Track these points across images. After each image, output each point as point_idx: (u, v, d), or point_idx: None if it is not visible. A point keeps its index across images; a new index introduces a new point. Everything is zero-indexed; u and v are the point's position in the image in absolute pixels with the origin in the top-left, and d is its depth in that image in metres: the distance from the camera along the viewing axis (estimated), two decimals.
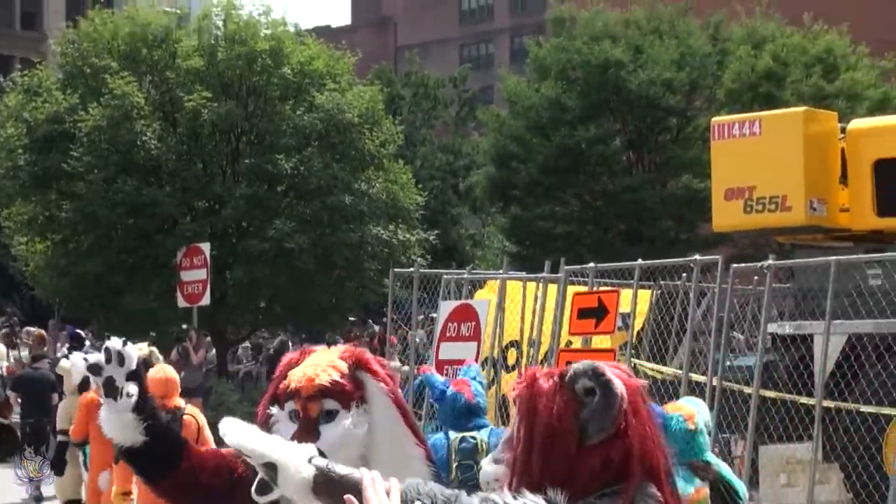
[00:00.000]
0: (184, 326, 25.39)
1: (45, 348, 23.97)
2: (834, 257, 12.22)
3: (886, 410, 12.10)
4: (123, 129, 25.54)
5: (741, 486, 7.22)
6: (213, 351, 27.81)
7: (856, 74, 34.03)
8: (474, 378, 8.95)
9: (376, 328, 31.47)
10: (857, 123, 15.05)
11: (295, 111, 26.83)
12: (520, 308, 15.15)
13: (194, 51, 26.96)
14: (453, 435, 8.52)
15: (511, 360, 15.29)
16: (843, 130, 14.54)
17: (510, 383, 14.92)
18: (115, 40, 27.14)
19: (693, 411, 7.24)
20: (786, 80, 33.43)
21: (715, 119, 16.24)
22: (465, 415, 8.62)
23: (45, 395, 19.53)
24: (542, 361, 14.41)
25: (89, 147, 25.69)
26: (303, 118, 26.62)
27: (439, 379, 9.19)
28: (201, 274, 24.52)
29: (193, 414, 11.25)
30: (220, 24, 27.97)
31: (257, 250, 25.63)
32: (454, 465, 8.35)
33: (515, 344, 15.28)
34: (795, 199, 14.06)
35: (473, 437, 8.48)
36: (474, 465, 8.10)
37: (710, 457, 7.11)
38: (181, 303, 24.89)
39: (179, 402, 11.27)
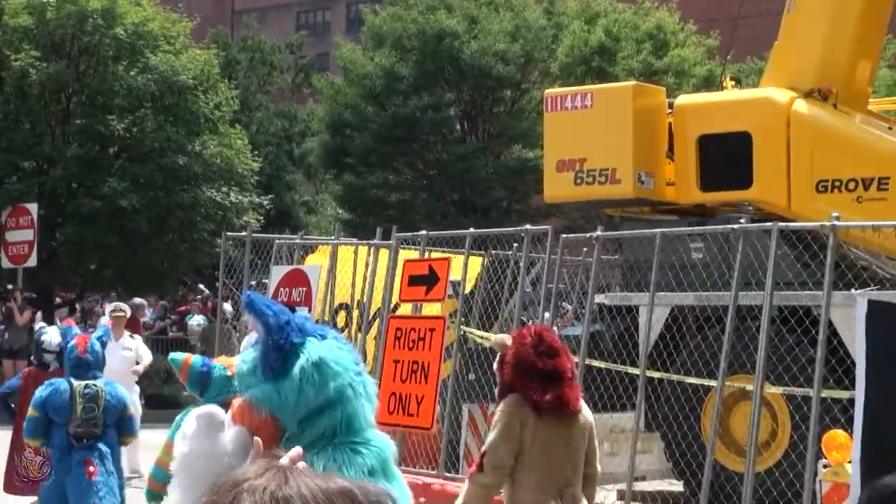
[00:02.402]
0: (8, 287, 24.89)
1: None
2: (659, 230, 12.49)
3: (707, 382, 12.43)
4: None
5: None
6: (40, 312, 27.32)
7: (683, 51, 34.79)
8: (99, 337, 10.88)
9: (207, 292, 31.23)
10: (683, 99, 15.36)
11: (128, 72, 26.43)
12: (351, 272, 15.22)
13: (23, 8, 26.34)
14: (76, 382, 10.42)
15: (340, 323, 15.35)
16: (671, 106, 14.85)
17: None
18: None
19: (233, 362, 8.08)
20: (617, 55, 34.00)
21: (548, 91, 16.46)
22: (79, 366, 10.51)
23: None
24: (370, 324, 14.51)
25: None
26: (136, 79, 26.25)
27: (73, 331, 11.29)
28: (28, 234, 24.08)
29: None
30: None
31: (88, 209, 25.23)
32: (79, 407, 10.32)
33: (345, 306, 15.34)
34: (624, 172, 14.32)
35: (95, 385, 10.44)
36: (95, 407, 10.37)
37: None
38: (5, 263, 24.39)
39: None
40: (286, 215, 42.45)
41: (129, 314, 16.89)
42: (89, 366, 10.56)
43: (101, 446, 10.56)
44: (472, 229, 14.15)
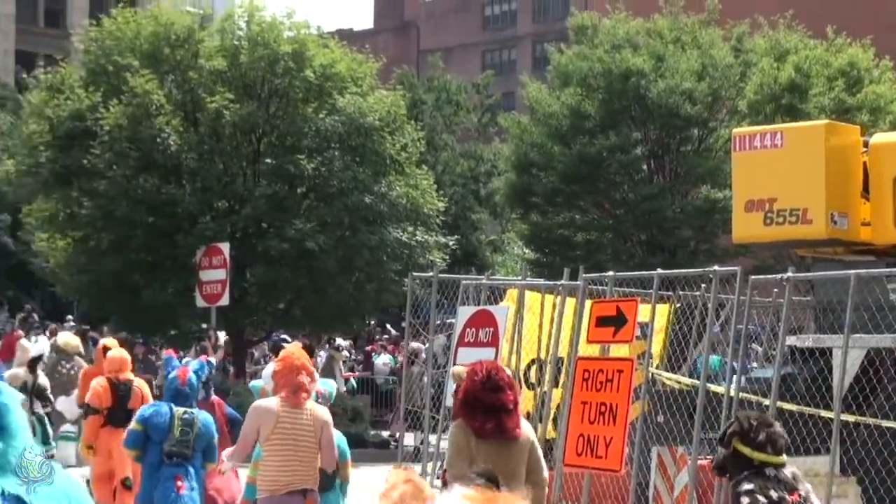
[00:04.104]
0: (203, 326, 25.46)
1: None
2: (854, 271, 12.18)
3: None
4: (144, 126, 25.63)
5: (345, 445, 11.04)
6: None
7: (878, 88, 33.94)
8: (196, 371, 12.42)
9: (395, 333, 31.51)
10: (879, 137, 14.97)
11: (317, 114, 26.87)
12: (538, 323, 15.10)
13: (217, 51, 27.02)
14: (176, 408, 11.96)
15: (533, 378, 15.25)
16: (866, 144, 14.48)
17: (532, 401, 14.97)
18: (137, 39, 27.21)
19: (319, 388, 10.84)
20: (808, 92, 33.36)
21: (736, 130, 16.20)
22: (177, 396, 12.04)
23: None
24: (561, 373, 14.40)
25: (109, 145, 25.77)
26: (324, 121, 26.66)
27: (175, 363, 12.94)
28: (220, 274, 24.60)
29: (140, 386, 14.66)
30: (244, 25, 28.03)
31: (277, 251, 25.67)
32: (177, 430, 11.84)
33: (537, 361, 15.24)
34: (816, 212, 14.00)
35: (193, 413, 11.96)
36: (190, 431, 11.86)
37: None
38: (200, 302, 24.95)
39: (130, 375, 14.56)
40: (472, 255, 42.67)
41: None
42: (187, 396, 12.12)
43: (189, 467, 12.02)
44: (659, 270, 13.99)
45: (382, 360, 28.12)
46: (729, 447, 6.95)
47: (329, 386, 11.59)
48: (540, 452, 8.77)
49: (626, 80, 34.79)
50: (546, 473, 8.86)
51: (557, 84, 37.02)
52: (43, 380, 19.16)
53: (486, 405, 8.35)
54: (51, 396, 20.04)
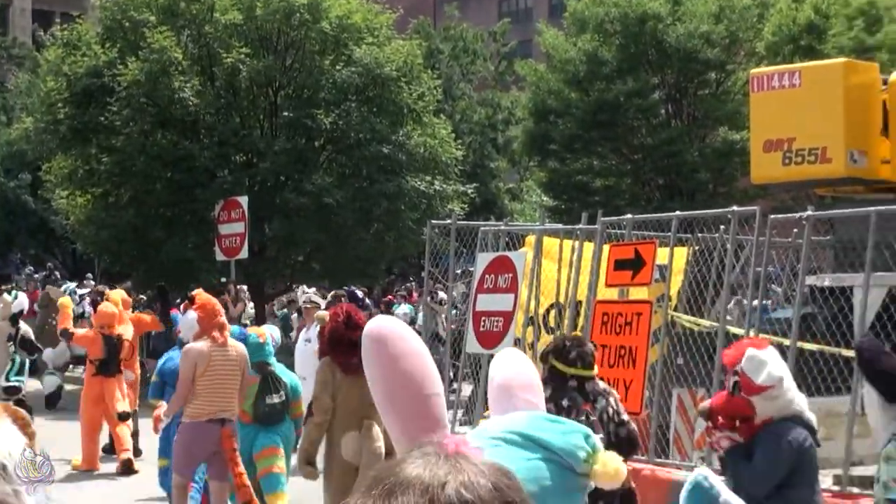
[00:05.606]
0: (222, 279, 25.53)
1: None
2: (874, 208, 12.10)
3: None
4: (161, 83, 25.58)
5: (296, 383, 12.64)
6: (252, 304, 27.93)
7: None
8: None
9: (412, 283, 31.47)
10: None
11: (333, 66, 26.79)
12: (556, 268, 15.09)
13: (232, 5, 26.91)
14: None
15: (552, 322, 15.27)
16: (885, 82, 14.38)
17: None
18: None
19: (265, 332, 12.54)
20: (827, 32, 33.10)
21: (754, 71, 16.12)
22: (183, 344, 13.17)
23: None
24: (580, 317, 14.39)
25: (127, 101, 25.74)
26: (341, 73, 26.58)
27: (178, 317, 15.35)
28: (239, 227, 24.61)
29: (129, 339, 16.31)
30: None
31: (295, 204, 25.67)
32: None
33: (556, 305, 15.24)
34: (835, 151, 13.93)
35: None
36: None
37: (273, 360, 12.29)
38: (219, 256, 25.00)
39: (119, 329, 16.06)
40: (491, 203, 42.64)
41: (322, 305, 18.22)
42: None
43: None
44: (677, 212, 13.94)
45: (402, 310, 28.08)
46: (546, 363, 7.87)
47: (274, 330, 13.39)
48: None
49: (642, 24, 34.58)
50: None
51: (574, 30, 36.82)
52: (26, 330, 20.39)
53: (349, 342, 9.53)
54: (38, 345, 20.78)
